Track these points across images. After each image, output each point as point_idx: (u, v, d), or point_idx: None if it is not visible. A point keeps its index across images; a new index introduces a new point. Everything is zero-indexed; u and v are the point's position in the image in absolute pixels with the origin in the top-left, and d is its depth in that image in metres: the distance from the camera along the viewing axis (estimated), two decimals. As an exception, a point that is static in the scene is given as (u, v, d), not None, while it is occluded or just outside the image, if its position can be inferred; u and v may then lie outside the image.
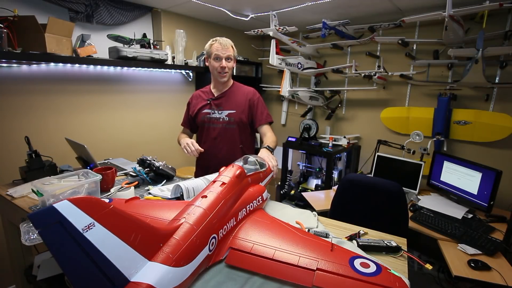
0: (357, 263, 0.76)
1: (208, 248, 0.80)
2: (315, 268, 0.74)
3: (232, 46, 1.72)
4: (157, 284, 0.63)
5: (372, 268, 0.73)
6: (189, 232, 0.76)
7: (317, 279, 0.72)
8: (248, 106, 1.79)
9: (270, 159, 1.42)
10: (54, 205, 0.52)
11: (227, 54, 1.68)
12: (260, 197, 1.11)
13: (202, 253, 0.78)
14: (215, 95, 1.82)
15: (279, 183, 3.27)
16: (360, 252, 1.00)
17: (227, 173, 1.02)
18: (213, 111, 1.79)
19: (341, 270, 0.73)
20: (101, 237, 0.56)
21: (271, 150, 1.61)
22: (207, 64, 1.77)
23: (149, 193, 1.45)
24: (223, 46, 1.67)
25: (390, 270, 0.74)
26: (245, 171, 1.10)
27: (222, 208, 0.89)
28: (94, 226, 0.56)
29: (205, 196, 0.90)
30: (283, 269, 0.77)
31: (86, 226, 0.54)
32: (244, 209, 1.00)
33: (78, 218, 0.54)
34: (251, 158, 1.24)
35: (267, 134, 1.76)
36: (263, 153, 1.50)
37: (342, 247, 0.85)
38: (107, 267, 0.57)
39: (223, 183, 0.96)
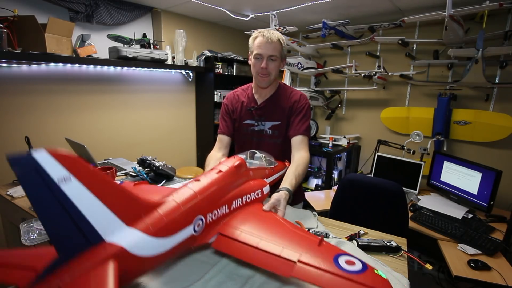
0: (342, 260, 0.75)
1: (193, 228, 0.81)
2: (295, 260, 0.75)
3: (280, 41, 1.32)
4: (132, 249, 0.64)
5: (357, 266, 0.73)
6: (173, 209, 0.77)
7: (296, 271, 0.73)
8: (289, 115, 1.41)
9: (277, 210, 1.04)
10: (32, 152, 0.53)
11: (271, 53, 1.30)
12: (260, 190, 1.11)
13: (185, 230, 0.78)
14: (259, 103, 1.43)
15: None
16: (360, 252, 1.00)
17: (226, 163, 1.04)
18: (256, 123, 1.44)
19: (322, 264, 0.73)
20: (77, 192, 0.58)
21: (290, 193, 1.10)
22: (249, 62, 1.40)
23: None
24: (266, 40, 1.29)
25: (377, 271, 0.73)
26: (247, 164, 1.10)
27: (214, 193, 0.90)
28: (70, 180, 0.57)
29: (198, 180, 0.92)
30: (264, 258, 0.79)
31: (62, 178, 0.56)
32: (240, 199, 1.01)
33: (54, 169, 0.55)
34: (258, 154, 1.25)
35: (298, 154, 1.33)
36: (273, 198, 1.06)
37: (331, 244, 0.85)
38: (82, 222, 0.59)
39: (220, 171, 0.98)
